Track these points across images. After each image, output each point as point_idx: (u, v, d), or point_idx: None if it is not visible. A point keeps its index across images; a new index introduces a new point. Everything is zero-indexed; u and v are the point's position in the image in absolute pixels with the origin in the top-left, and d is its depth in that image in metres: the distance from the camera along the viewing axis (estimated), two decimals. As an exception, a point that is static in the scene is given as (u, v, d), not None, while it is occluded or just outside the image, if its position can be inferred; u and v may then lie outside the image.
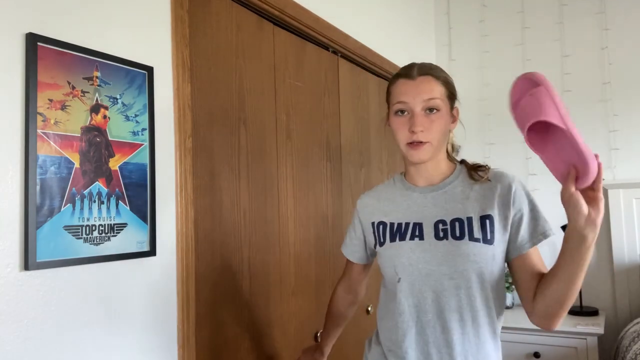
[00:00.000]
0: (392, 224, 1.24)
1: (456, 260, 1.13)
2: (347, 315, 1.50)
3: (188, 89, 1.46)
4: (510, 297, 3.02)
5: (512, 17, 3.22)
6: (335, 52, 2.28)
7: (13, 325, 1.03)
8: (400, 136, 1.18)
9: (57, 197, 1.10)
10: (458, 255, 1.13)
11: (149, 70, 1.33)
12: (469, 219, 1.15)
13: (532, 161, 3.11)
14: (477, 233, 1.13)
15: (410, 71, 1.19)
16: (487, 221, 1.15)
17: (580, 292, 2.85)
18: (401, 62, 2.85)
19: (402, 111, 1.18)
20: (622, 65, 2.94)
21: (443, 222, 1.17)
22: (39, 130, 1.07)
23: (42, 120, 1.08)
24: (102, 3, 1.24)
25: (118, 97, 1.25)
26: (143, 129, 1.31)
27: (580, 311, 2.79)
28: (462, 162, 1.29)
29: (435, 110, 1.16)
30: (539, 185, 3.09)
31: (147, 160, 1.32)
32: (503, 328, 2.69)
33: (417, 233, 1.19)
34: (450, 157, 1.28)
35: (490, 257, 1.14)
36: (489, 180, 1.19)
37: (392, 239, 1.22)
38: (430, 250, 1.16)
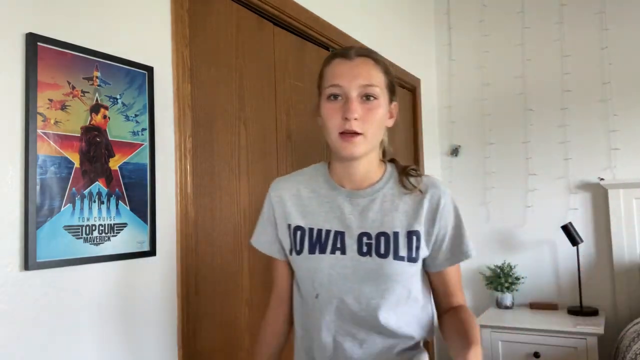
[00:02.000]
0: (311, 231, 1.07)
1: (379, 279, 1.02)
2: (283, 340, 1.20)
3: (188, 89, 1.46)
4: (510, 297, 3.02)
5: (512, 17, 3.22)
6: (335, 52, 2.28)
7: (13, 325, 1.03)
8: (331, 124, 1.00)
9: (57, 197, 1.10)
10: (380, 274, 1.02)
11: (149, 70, 1.33)
12: (396, 235, 1.03)
13: (532, 161, 3.11)
14: (403, 250, 1.03)
15: (348, 51, 1.04)
16: (414, 237, 1.04)
17: (580, 292, 2.85)
18: (401, 62, 2.85)
19: (336, 96, 1.01)
20: (622, 65, 2.94)
21: (368, 235, 1.03)
22: (39, 130, 1.07)
23: (42, 120, 1.08)
24: (102, 3, 1.24)
25: (118, 97, 1.25)
26: (143, 129, 1.31)
27: (580, 311, 2.80)
28: (393, 161, 1.14)
29: (372, 99, 1.01)
30: (538, 186, 3.09)
31: (147, 160, 1.32)
32: (503, 328, 2.69)
33: (338, 245, 1.04)
34: (381, 159, 1.13)
35: (414, 274, 1.06)
36: (420, 191, 1.06)
37: (312, 250, 1.05)
38: (352, 267, 1.03)
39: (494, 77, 3.26)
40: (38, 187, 1.07)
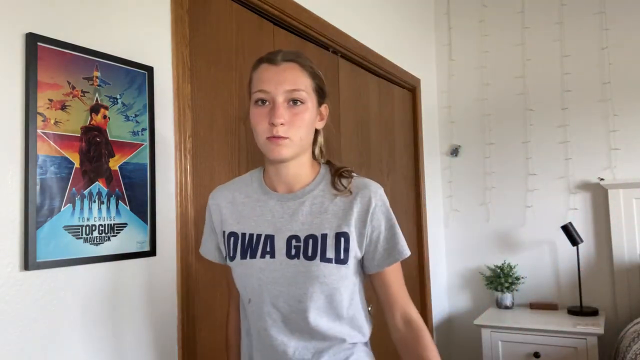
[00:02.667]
0: (243, 236, 1.08)
1: (305, 282, 1.02)
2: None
3: (188, 89, 1.46)
4: (510, 297, 3.02)
5: (512, 17, 3.22)
6: (335, 52, 2.28)
7: (13, 325, 1.02)
8: (259, 129, 1.02)
9: (57, 197, 1.10)
10: (308, 277, 1.02)
11: (149, 70, 1.33)
12: (324, 237, 1.03)
13: (532, 161, 3.11)
14: (330, 252, 1.03)
15: (274, 56, 1.04)
16: (342, 239, 1.04)
17: (580, 292, 2.85)
18: (401, 61, 2.85)
19: (263, 101, 1.02)
20: (622, 65, 2.94)
21: (297, 238, 1.04)
22: (39, 130, 1.07)
23: (42, 120, 1.08)
24: (102, 3, 1.24)
25: (118, 97, 1.25)
26: (143, 129, 1.31)
27: (580, 311, 2.80)
28: (328, 163, 1.15)
29: (299, 103, 1.02)
30: (538, 186, 3.09)
31: (147, 160, 1.32)
32: (503, 328, 2.69)
33: (268, 249, 1.05)
34: (316, 160, 1.14)
35: (343, 277, 1.04)
36: (350, 192, 1.06)
37: (243, 256, 1.07)
38: (281, 270, 1.03)
39: (494, 77, 3.26)
40: (38, 187, 1.07)
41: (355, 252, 1.06)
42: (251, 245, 1.07)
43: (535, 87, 3.14)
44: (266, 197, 1.10)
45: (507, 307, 3.01)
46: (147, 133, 1.32)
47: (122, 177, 1.25)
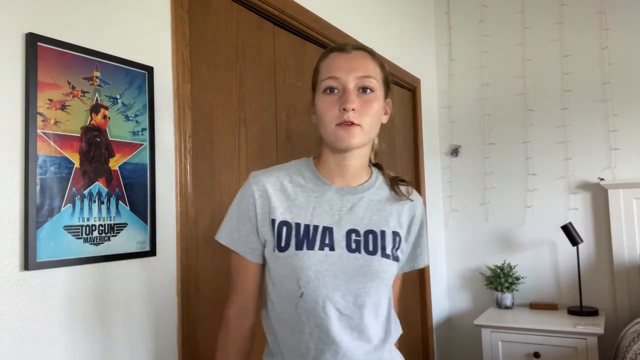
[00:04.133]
0: (298, 226, 1.02)
1: (365, 277, 1.01)
2: (250, 349, 1.12)
3: (188, 89, 1.46)
4: (510, 297, 3.02)
5: (512, 17, 3.22)
6: (335, 52, 2.28)
7: (13, 325, 1.03)
8: (328, 117, 1.00)
9: (57, 197, 1.10)
10: (368, 271, 1.02)
11: (149, 70, 1.33)
12: (382, 233, 1.05)
13: (532, 161, 3.11)
14: (389, 249, 1.05)
15: (344, 46, 1.05)
16: (398, 238, 1.08)
17: (580, 292, 2.85)
18: (401, 62, 2.85)
19: (332, 89, 1.00)
20: (622, 65, 2.94)
21: (357, 232, 1.03)
22: (39, 130, 1.07)
23: (42, 120, 1.08)
24: (102, 3, 1.24)
25: (118, 97, 1.25)
26: (143, 129, 1.31)
27: (580, 311, 2.79)
28: (377, 166, 1.16)
29: (369, 91, 1.01)
30: (538, 186, 3.09)
31: (147, 160, 1.32)
32: (503, 328, 2.69)
33: (327, 241, 1.01)
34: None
35: (393, 274, 1.08)
36: (410, 200, 1.12)
37: (299, 247, 1.01)
38: (341, 263, 1.01)
39: (494, 77, 3.26)
40: (38, 187, 1.07)
41: (402, 252, 1.10)
42: (307, 236, 1.02)
43: (535, 87, 3.14)
44: (323, 188, 1.06)
45: (507, 307, 3.01)
46: (147, 133, 1.32)
47: (122, 177, 1.25)
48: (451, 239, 3.35)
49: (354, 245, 1.02)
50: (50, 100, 1.10)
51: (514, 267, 3.05)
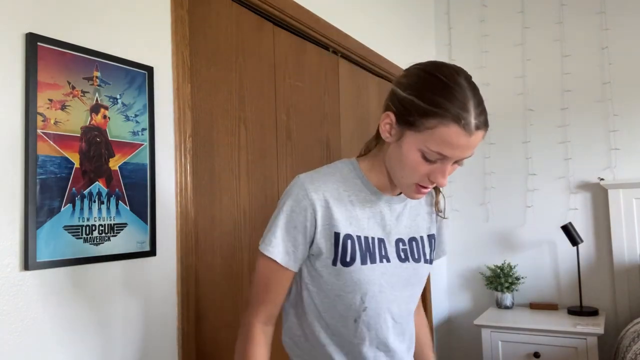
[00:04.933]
0: (359, 239, 0.98)
1: (415, 284, 1.06)
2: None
3: (188, 89, 1.46)
4: (510, 297, 3.02)
5: (512, 17, 3.22)
6: (335, 52, 2.28)
7: (13, 325, 1.02)
8: (411, 174, 0.91)
9: (57, 197, 1.10)
10: (417, 279, 1.06)
11: (149, 70, 1.33)
12: (422, 239, 1.08)
13: (532, 161, 3.11)
14: (428, 254, 1.09)
15: (470, 122, 0.86)
16: (432, 240, 1.11)
17: (580, 292, 2.85)
18: (401, 61, 2.85)
19: (434, 160, 0.89)
20: (622, 65, 2.94)
21: (402, 241, 1.04)
22: (39, 130, 1.07)
23: (42, 120, 1.08)
24: (102, 3, 1.24)
25: (118, 97, 1.25)
26: (143, 129, 1.31)
27: (580, 311, 2.79)
28: None
29: (462, 162, 0.93)
30: (538, 186, 3.09)
31: (147, 160, 1.32)
32: (503, 328, 2.69)
33: (383, 252, 1.01)
34: None
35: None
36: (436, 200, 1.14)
37: (364, 261, 0.98)
38: (397, 274, 1.02)
39: (494, 77, 3.26)
40: (38, 187, 1.07)
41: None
42: (369, 250, 0.99)
43: (535, 87, 3.14)
44: (375, 198, 1.01)
45: (507, 307, 3.01)
46: (147, 133, 1.32)
47: (122, 177, 1.25)
48: (451, 239, 3.35)
49: (403, 255, 1.03)
50: (50, 100, 1.10)
51: (514, 267, 3.05)
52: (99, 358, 1.18)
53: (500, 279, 3.01)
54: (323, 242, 0.97)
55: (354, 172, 1.02)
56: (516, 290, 3.05)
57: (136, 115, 1.29)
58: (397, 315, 1.03)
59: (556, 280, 3.04)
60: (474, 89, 0.90)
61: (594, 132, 2.98)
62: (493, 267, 3.09)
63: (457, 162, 0.91)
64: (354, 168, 1.02)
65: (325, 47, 2.21)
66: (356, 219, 0.99)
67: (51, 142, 1.10)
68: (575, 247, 2.87)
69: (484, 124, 0.88)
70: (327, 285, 0.99)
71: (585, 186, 2.99)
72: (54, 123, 1.11)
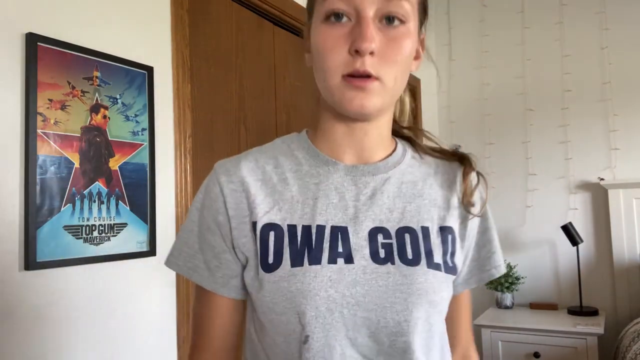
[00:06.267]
0: (293, 229, 0.66)
1: (407, 301, 0.63)
2: None
3: (188, 89, 1.46)
4: (510, 297, 3.02)
5: (512, 17, 3.22)
6: (335, 52, 2.28)
7: (13, 325, 1.02)
8: (330, 61, 0.63)
9: (57, 197, 1.10)
10: (411, 293, 0.63)
11: (149, 70, 1.33)
12: (425, 231, 0.68)
13: (532, 161, 3.11)
14: (438, 256, 0.67)
15: None
16: (450, 237, 0.70)
17: (580, 292, 2.85)
18: (401, 62, 2.85)
19: (339, 15, 0.62)
20: (622, 65, 2.94)
21: (385, 231, 0.66)
22: (39, 130, 1.07)
23: (42, 120, 1.08)
24: (102, 3, 1.24)
25: (118, 97, 1.25)
26: (143, 129, 1.31)
27: (580, 311, 2.79)
28: (406, 131, 0.79)
29: (398, 22, 0.63)
30: (538, 186, 3.09)
31: (147, 160, 1.32)
32: (503, 328, 2.69)
33: (339, 249, 0.64)
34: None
35: (449, 295, 0.69)
36: (456, 166, 0.75)
37: (297, 261, 0.64)
38: (366, 282, 0.63)
39: (494, 77, 3.26)
40: (38, 187, 1.07)
41: (459, 258, 0.72)
42: (309, 245, 0.65)
43: (535, 87, 3.14)
44: (326, 170, 0.69)
45: (507, 307, 3.01)
46: (147, 133, 1.32)
47: (122, 177, 1.25)
48: (451, 239, 3.35)
49: (382, 253, 0.65)
50: (50, 100, 1.10)
51: (514, 267, 3.05)
52: (98, 358, 1.18)
53: (500, 279, 3.01)
54: (244, 242, 0.67)
55: (297, 143, 0.73)
56: (516, 290, 3.05)
57: (136, 115, 1.29)
58: (372, 353, 0.63)
59: (556, 280, 3.04)
60: None
61: (594, 132, 2.98)
62: (493, 267, 3.08)
63: (387, 20, 0.63)
64: (298, 139, 0.73)
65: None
66: (290, 203, 0.67)
67: (51, 142, 1.10)
68: (575, 247, 2.87)
69: None
70: (259, 306, 0.66)
71: (585, 186, 2.99)
72: (54, 123, 1.11)
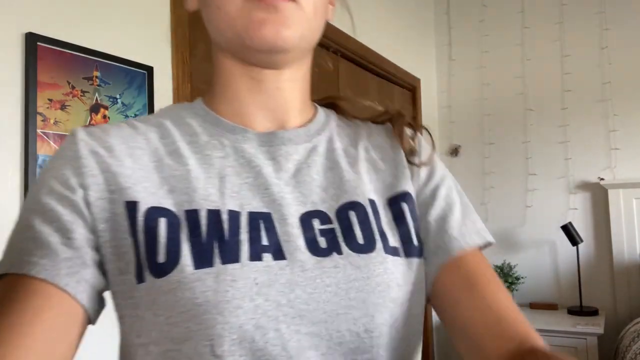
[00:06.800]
0: (192, 215, 0.47)
1: (367, 302, 0.46)
2: None
3: (188, 89, 1.46)
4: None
5: (512, 16, 3.22)
6: (335, 52, 2.28)
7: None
8: None
9: (57, 197, 1.10)
10: (371, 290, 0.46)
11: (149, 70, 1.33)
12: (374, 205, 0.52)
13: (532, 161, 3.11)
14: (393, 237, 0.51)
15: None
16: (407, 206, 0.53)
17: (580, 292, 2.85)
18: (401, 61, 2.85)
19: None
20: (622, 65, 2.94)
21: (322, 215, 0.50)
22: (38, 130, 1.07)
23: (42, 120, 1.08)
24: (102, 3, 1.24)
25: (118, 97, 1.25)
26: (143, 129, 1.31)
27: (580, 311, 2.80)
28: (327, 104, 0.64)
29: None
30: (538, 185, 3.09)
31: (147, 160, 1.32)
32: (503, 328, 2.69)
33: (264, 241, 0.47)
34: None
35: (420, 285, 0.51)
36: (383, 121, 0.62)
37: (202, 260, 0.44)
38: (308, 284, 0.45)
39: (494, 77, 3.26)
40: (38, 187, 1.07)
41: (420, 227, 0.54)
42: (220, 236, 0.46)
43: (535, 87, 3.14)
44: (233, 139, 0.53)
45: (507, 307, 3.01)
46: (147, 133, 1.32)
47: (122, 177, 1.25)
48: (451, 239, 3.35)
49: (323, 242, 0.48)
50: (50, 100, 1.10)
51: (514, 267, 3.05)
52: (98, 357, 1.18)
53: (500, 279, 3.01)
54: (109, 230, 0.47)
55: (190, 109, 0.57)
56: (516, 290, 3.05)
57: (136, 115, 1.30)
58: None
59: (556, 280, 3.04)
60: None
61: (594, 132, 2.98)
62: (493, 267, 3.08)
63: None
64: (191, 107, 0.58)
65: (326, 47, 2.21)
66: (186, 181, 0.49)
67: (51, 142, 1.10)
68: (575, 247, 2.87)
69: None
70: (144, 338, 0.48)
71: (585, 186, 2.99)
72: (54, 123, 1.11)
